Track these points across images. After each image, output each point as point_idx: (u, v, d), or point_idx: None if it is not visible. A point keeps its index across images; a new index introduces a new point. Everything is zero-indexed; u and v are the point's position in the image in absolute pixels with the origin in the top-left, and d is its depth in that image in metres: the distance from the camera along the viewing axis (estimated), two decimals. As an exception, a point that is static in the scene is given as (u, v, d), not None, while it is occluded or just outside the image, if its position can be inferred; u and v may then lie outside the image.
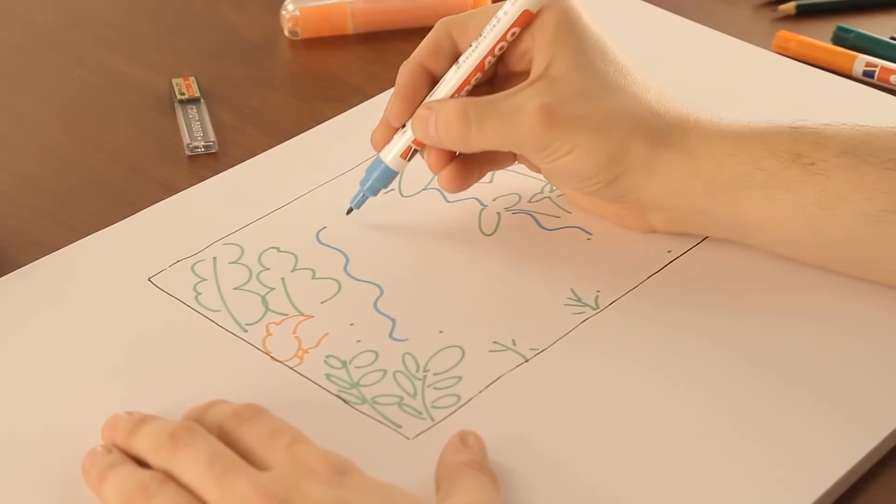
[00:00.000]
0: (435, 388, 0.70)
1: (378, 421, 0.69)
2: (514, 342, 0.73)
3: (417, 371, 0.71)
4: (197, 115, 0.89)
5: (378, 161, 0.78)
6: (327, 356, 0.72)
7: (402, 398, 0.70)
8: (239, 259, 0.78)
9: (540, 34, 0.74)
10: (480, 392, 0.70)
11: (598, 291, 0.76)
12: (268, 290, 0.76)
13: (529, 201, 0.82)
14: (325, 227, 0.80)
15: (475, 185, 0.79)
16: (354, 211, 0.79)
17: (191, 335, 0.73)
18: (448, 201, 0.81)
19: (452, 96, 0.75)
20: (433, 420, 0.69)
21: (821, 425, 0.68)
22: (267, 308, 0.75)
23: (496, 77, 0.77)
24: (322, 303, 0.75)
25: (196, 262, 0.78)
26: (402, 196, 0.82)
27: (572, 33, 0.74)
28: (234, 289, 0.76)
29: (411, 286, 0.76)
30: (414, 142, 0.76)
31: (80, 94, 0.93)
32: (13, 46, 0.97)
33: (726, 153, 0.73)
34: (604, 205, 0.78)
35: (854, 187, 0.71)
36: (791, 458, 0.67)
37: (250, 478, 0.60)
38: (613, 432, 0.68)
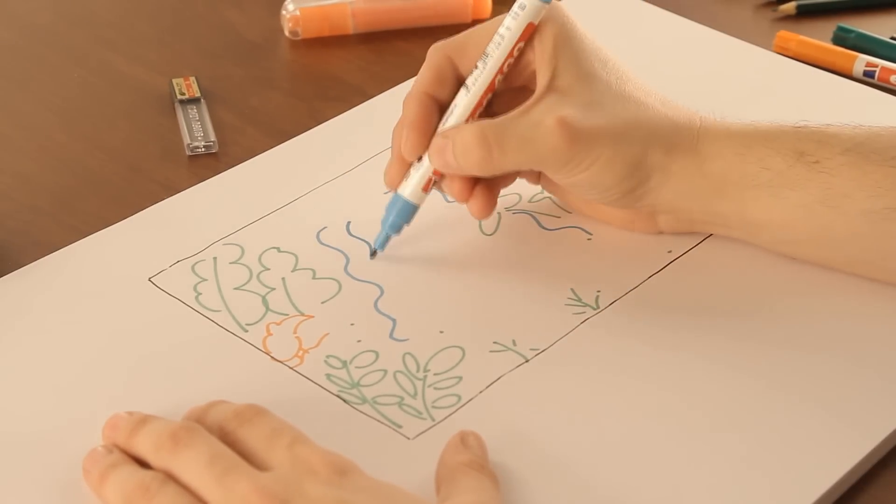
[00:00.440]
0: (435, 389, 0.70)
1: (378, 421, 0.69)
2: (514, 342, 0.73)
3: (418, 371, 0.71)
4: (197, 115, 0.89)
5: (397, 197, 0.76)
6: (328, 356, 0.72)
7: (402, 398, 0.70)
8: (239, 259, 0.78)
9: (540, 47, 0.73)
10: (481, 392, 0.70)
11: (598, 291, 0.76)
12: (268, 290, 0.76)
13: (530, 201, 0.82)
14: (325, 228, 0.80)
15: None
16: (379, 252, 0.78)
17: (191, 335, 0.73)
18: (448, 201, 0.81)
19: (467, 121, 0.74)
20: (433, 420, 0.69)
21: (821, 425, 0.68)
22: (267, 308, 0.75)
23: (493, 95, 0.76)
24: (322, 303, 0.75)
25: (196, 262, 0.78)
26: (403, 196, 0.82)
27: (571, 44, 0.73)
28: (235, 289, 0.76)
29: (412, 286, 0.76)
30: (434, 172, 0.75)
31: (80, 94, 0.93)
32: (13, 46, 0.97)
33: (734, 153, 0.74)
34: (612, 211, 0.78)
35: (858, 185, 0.72)
36: (791, 458, 0.67)
37: (251, 478, 0.60)
38: (614, 432, 0.68)
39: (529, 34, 0.73)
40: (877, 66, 0.93)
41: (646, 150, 0.73)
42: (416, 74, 0.75)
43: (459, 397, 0.70)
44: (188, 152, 0.87)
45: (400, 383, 0.71)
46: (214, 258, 0.78)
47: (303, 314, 0.75)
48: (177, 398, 0.68)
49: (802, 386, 0.70)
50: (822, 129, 0.74)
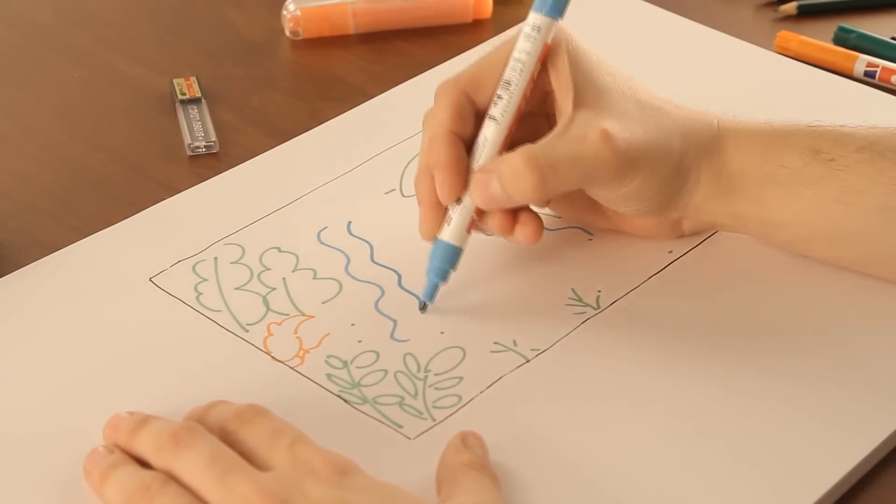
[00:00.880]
0: (436, 389, 0.70)
1: (379, 421, 0.69)
2: (514, 342, 0.73)
3: (418, 371, 0.71)
4: (198, 115, 0.89)
5: (439, 243, 0.73)
6: (328, 356, 0.72)
7: (403, 398, 0.70)
8: (240, 259, 0.78)
9: (554, 68, 0.72)
10: (481, 392, 0.70)
11: (599, 291, 0.76)
12: (269, 290, 0.76)
13: (530, 201, 0.82)
14: (326, 228, 0.80)
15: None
16: (429, 305, 0.74)
17: (192, 335, 0.73)
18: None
19: (500, 152, 0.72)
20: (434, 420, 0.69)
21: (821, 426, 0.68)
22: (268, 308, 0.75)
23: None
24: (323, 303, 0.75)
25: (197, 262, 0.78)
26: (404, 196, 0.82)
27: (582, 60, 0.72)
28: (236, 289, 0.76)
29: (412, 287, 0.76)
30: (476, 211, 0.73)
31: (80, 94, 0.93)
32: (13, 46, 0.97)
33: (753, 150, 0.74)
34: (640, 222, 0.77)
35: (873, 182, 0.72)
36: (792, 459, 0.67)
37: (252, 478, 0.60)
38: (614, 432, 0.68)
39: (545, 56, 0.72)
40: (878, 67, 0.93)
41: (683, 152, 0.73)
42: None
43: (460, 397, 0.70)
44: (189, 152, 0.87)
45: (401, 383, 0.71)
46: (215, 258, 0.78)
47: (303, 314, 0.75)
48: (177, 398, 0.68)
49: (803, 386, 0.70)
50: (836, 128, 0.74)
